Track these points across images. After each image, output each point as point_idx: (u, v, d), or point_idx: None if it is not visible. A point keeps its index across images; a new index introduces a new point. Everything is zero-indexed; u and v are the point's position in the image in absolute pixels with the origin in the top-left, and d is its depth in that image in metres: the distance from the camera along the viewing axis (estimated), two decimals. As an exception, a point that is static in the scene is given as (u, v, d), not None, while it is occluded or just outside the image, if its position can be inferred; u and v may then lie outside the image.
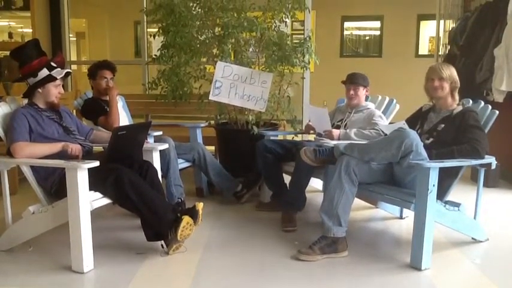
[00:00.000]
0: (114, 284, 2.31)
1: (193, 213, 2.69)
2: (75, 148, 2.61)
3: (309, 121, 3.59)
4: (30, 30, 5.49)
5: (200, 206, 2.68)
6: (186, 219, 2.54)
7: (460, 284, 2.40)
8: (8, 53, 5.53)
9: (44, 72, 2.67)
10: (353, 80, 3.39)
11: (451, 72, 2.78)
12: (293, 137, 3.95)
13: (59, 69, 2.72)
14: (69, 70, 2.80)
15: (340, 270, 2.47)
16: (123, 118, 3.59)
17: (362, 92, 3.39)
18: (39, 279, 2.36)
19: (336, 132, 3.26)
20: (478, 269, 2.52)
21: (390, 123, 3.34)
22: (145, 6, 5.12)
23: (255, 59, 3.93)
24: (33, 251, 2.68)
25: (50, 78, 2.67)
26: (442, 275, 2.42)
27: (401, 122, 2.87)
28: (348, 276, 2.41)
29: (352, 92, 3.38)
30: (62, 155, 2.57)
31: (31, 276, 2.39)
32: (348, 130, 3.25)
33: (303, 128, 3.80)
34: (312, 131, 3.54)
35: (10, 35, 6.19)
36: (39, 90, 2.69)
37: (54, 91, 2.71)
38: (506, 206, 3.72)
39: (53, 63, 2.72)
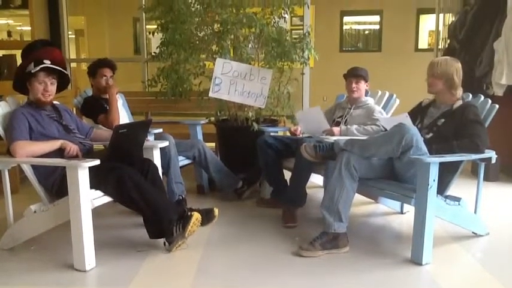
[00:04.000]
0: (116, 282, 2.32)
1: (209, 215, 2.81)
2: (73, 149, 2.60)
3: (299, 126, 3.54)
4: (29, 28, 5.48)
5: (217, 211, 2.83)
6: (196, 215, 2.57)
7: (460, 278, 2.41)
8: (6, 51, 5.54)
9: (30, 67, 2.64)
10: (355, 73, 3.38)
11: (445, 68, 2.73)
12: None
13: (45, 65, 2.64)
14: (56, 67, 2.69)
15: (341, 266, 2.47)
16: (123, 116, 3.59)
17: (363, 85, 3.39)
18: (42, 277, 2.36)
19: (336, 129, 3.26)
20: (479, 263, 2.53)
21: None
22: (144, 3, 5.11)
23: (254, 55, 3.92)
24: (35, 249, 2.69)
25: (29, 74, 2.64)
26: (442, 270, 2.43)
27: (403, 114, 2.85)
28: (349, 272, 2.41)
29: (354, 85, 3.37)
30: (63, 153, 2.57)
31: (33, 275, 2.39)
32: (348, 126, 3.25)
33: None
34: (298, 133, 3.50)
35: (9, 34, 6.17)
36: (28, 85, 2.68)
37: (39, 87, 2.66)
38: (506, 199, 3.73)
39: (46, 61, 2.65)
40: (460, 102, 2.75)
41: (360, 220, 3.20)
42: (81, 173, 2.32)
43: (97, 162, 2.37)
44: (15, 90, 2.75)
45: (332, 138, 2.96)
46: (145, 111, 4.86)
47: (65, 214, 2.40)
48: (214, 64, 3.70)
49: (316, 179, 3.69)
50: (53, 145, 2.58)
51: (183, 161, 3.50)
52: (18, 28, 6.41)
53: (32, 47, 2.78)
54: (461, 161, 2.63)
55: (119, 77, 3.62)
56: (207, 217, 2.87)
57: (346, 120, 3.38)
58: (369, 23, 8.76)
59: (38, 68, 2.62)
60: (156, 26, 3.92)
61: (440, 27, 5.85)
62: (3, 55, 5.55)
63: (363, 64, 3.55)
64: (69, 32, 5.98)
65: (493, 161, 2.61)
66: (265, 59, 3.82)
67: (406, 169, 2.60)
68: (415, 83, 3.28)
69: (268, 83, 3.67)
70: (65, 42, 5.71)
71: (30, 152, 2.52)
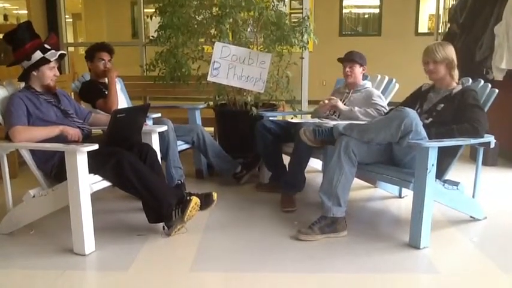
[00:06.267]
0: (116, 266, 2.33)
1: (208, 200, 2.78)
2: (74, 134, 2.61)
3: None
4: (26, 12, 5.42)
5: (215, 196, 2.80)
6: (195, 200, 2.57)
7: (458, 262, 2.43)
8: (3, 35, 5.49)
9: (38, 54, 2.64)
10: (348, 58, 3.37)
11: (445, 52, 2.72)
12: (292, 118, 3.94)
13: (53, 51, 2.69)
14: (63, 52, 2.76)
15: (339, 250, 2.49)
16: (122, 101, 3.57)
17: (358, 70, 3.36)
18: (41, 261, 2.38)
19: (340, 104, 3.23)
20: (476, 247, 2.54)
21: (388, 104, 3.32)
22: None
23: (253, 39, 3.89)
24: (34, 234, 2.70)
25: (44, 61, 2.65)
26: (440, 254, 2.44)
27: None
28: (348, 256, 2.43)
29: (348, 69, 3.35)
30: (61, 138, 2.56)
31: (33, 259, 2.40)
32: (351, 108, 3.21)
33: (302, 108, 3.77)
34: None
35: (5, 17, 6.13)
36: (34, 73, 2.67)
37: (49, 73, 2.69)
38: (504, 184, 3.75)
39: (46, 45, 2.68)
40: (459, 87, 2.74)
41: (358, 204, 3.22)
42: (80, 158, 2.32)
43: (96, 146, 2.37)
44: (21, 80, 2.74)
45: (331, 123, 2.96)
46: (143, 95, 4.84)
47: (64, 199, 2.40)
48: (212, 48, 3.67)
49: (315, 164, 3.70)
50: (52, 131, 2.58)
51: (181, 145, 3.50)
52: (15, 12, 6.35)
53: (20, 37, 2.74)
54: (460, 146, 2.62)
55: (117, 62, 3.59)
56: (205, 201, 2.88)
57: (345, 104, 3.36)
58: (368, 6, 8.69)
59: (57, 55, 2.66)
60: (154, 10, 3.88)
61: (441, 11, 5.81)
62: (-1, 39, 5.51)
63: (362, 48, 3.52)
64: (66, 16, 5.93)
65: (492, 145, 2.60)
66: (264, 43, 3.79)
67: (405, 153, 2.60)
68: (415, 67, 3.26)
69: (267, 67, 3.64)
70: (62, 26, 5.66)
71: (28, 137, 2.51)
